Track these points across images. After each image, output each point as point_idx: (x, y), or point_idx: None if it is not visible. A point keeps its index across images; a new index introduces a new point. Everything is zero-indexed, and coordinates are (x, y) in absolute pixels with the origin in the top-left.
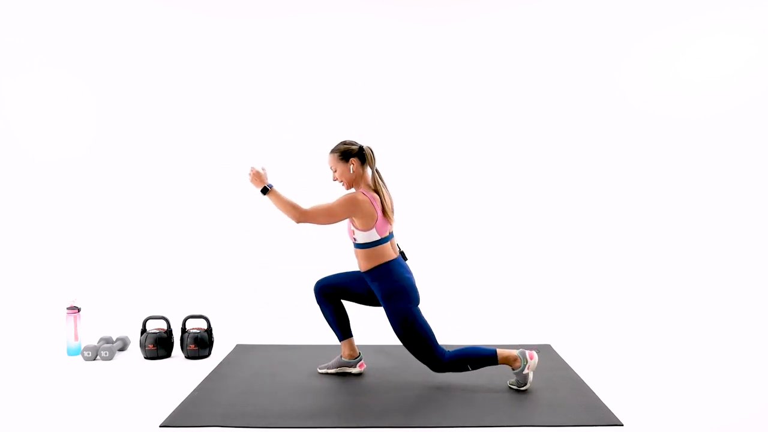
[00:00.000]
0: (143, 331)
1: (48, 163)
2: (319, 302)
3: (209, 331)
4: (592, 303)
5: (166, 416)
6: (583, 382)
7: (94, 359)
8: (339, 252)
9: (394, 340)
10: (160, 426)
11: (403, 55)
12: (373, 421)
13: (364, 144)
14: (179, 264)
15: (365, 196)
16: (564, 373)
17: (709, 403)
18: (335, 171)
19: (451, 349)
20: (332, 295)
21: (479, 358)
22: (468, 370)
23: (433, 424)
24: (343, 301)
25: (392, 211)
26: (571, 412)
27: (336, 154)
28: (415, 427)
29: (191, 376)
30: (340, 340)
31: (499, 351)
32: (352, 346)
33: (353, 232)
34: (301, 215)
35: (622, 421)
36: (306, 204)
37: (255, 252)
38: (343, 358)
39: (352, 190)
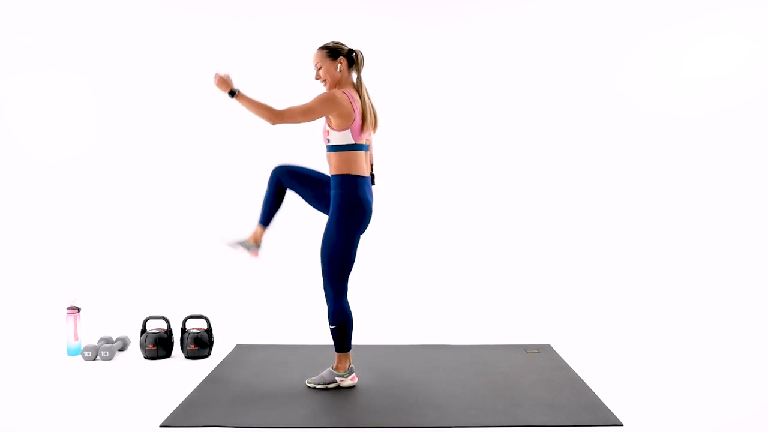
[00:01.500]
0: (143, 331)
1: (48, 163)
2: (271, 182)
3: (209, 331)
4: (592, 303)
5: (166, 416)
6: (583, 382)
7: (94, 359)
8: None
9: (394, 340)
10: (160, 426)
11: (403, 55)
12: (373, 421)
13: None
14: (179, 264)
15: (345, 94)
16: (564, 373)
17: (709, 403)
18: (320, 68)
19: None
20: (289, 179)
21: (344, 335)
22: (330, 325)
23: (433, 424)
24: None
25: (374, 120)
26: (571, 412)
27: (324, 51)
28: (415, 427)
29: (191, 376)
30: (261, 223)
31: (348, 354)
32: (261, 234)
33: (327, 132)
34: (276, 116)
35: (622, 421)
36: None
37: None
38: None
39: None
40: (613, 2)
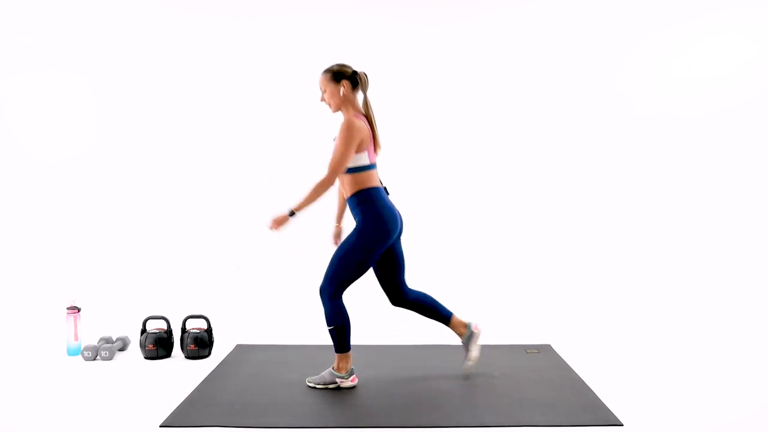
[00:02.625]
0: (143, 331)
1: (48, 163)
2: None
3: (209, 331)
4: (592, 303)
5: (166, 416)
6: (583, 382)
7: (94, 359)
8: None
9: (394, 340)
10: (160, 426)
11: (403, 55)
12: (373, 421)
13: (359, 69)
14: (179, 264)
15: (359, 119)
16: (564, 373)
17: (709, 403)
18: (324, 92)
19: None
20: (398, 295)
21: (342, 335)
22: (328, 325)
23: (433, 424)
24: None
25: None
26: (571, 412)
27: (328, 74)
28: (415, 427)
29: (191, 376)
30: (446, 324)
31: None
32: (459, 323)
33: None
34: (329, 182)
35: (622, 421)
36: (319, 176)
37: (255, 252)
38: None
39: (339, 114)
40: (613, 2)
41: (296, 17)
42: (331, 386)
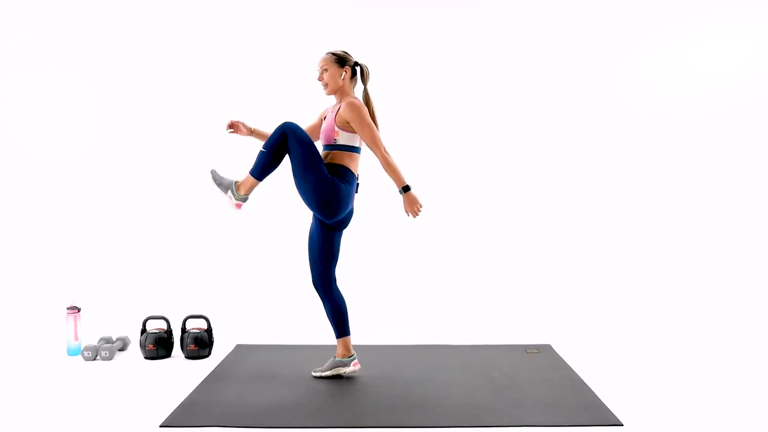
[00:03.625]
0: (143, 331)
1: (48, 163)
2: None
3: (209, 331)
4: (592, 303)
5: (166, 416)
6: (583, 382)
7: (94, 359)
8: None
9: (394, 340)
10: (160, 426)
11: (403, 55)
12: (373, 421)
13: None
14: (179, 264)
15: (360, 100)
16: (564, 373)
17: (709, 403)
18: (325, 70)
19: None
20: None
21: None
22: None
23: (433, 424)
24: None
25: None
26: (571, 412)
27: (333, 56)
28: (415, 427)
29: (191, 376)
30: (336, 338)
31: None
32: (348, 346)
33: (336, 132)
34: (387, 154)
35: (622, 421)
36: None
37: (255, 252)
38: (336, 358)
39: (332, 97)
40: (613, 2)
41: (296, 17)
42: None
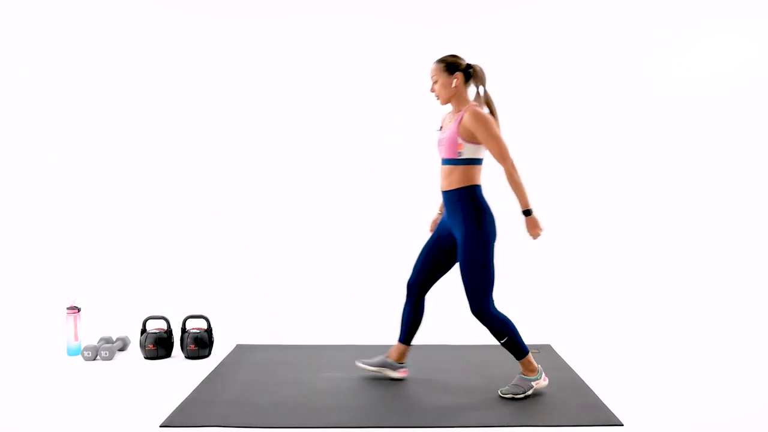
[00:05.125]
0: (143, 331)
1: (48, 163)
2: (407, 297)
3: (209, 331)
4: (592, 303)
5: (166, 416)
6: (583, 382)
7: (94, 359)
8: (339, 252)
9: (394, 340)
10: (160, 426)
11: (403, 55)
12: (373, 421)
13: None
14: (179, 264)
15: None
16: (564, 373)
17: (709, 403)
18: (436, 82)
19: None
20: (420, 287)
21: (515, 341)
22: (499, 340)
23: (433, 424)
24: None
25: None
26: (571, 412)
27: (441, 65)
28: (415, 427)
29: (191, 376)
30: (400, 342)
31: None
32: (404, 353)
33: (461, 145)
34: (514, 168)
35: (622, 421)
36: (504, 166)
37: (255, 252)
38: (387, 359)
39: (449, 106)
40: (613, 2)
41: (296, 17)
42: (529, 392)
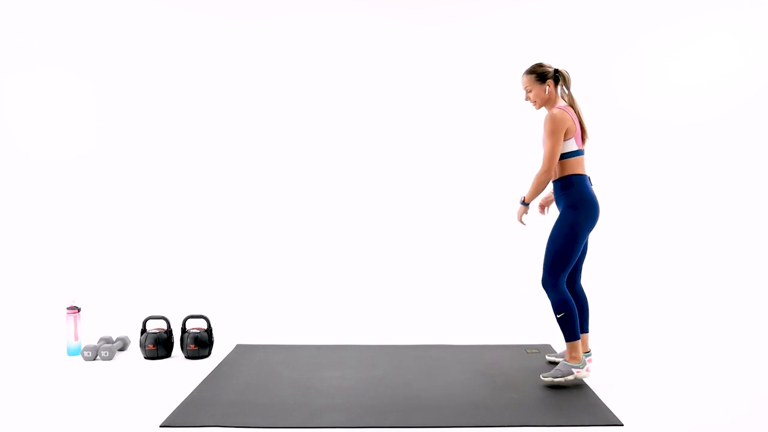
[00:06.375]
0: (143, 331)
1: (48, 163)
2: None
3: (209, 331)
4: (592, 303)
5: (166, 416)
6: (583, 382)
7: (94, 359)
8: (340, 252)
9: (394, 340)
10: (160, 426)
11: (402, 55)
12: (373, 421)
13: (560, 67)
14: (179, 264)
15: (561, 109)
16: None
17: (709, 403)
18: (530, 91)
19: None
20: (569, 277)
21: (571, 322)
22: (556, 314)
23: (433, 424)
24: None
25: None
26: (571, 412)
27: (532, 76)
28: (415, 427)
29: (191, 376)
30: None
31: (582, 339)
32: (583, 340)
33: None
34: (545, 173)
35: (622, 421)
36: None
37: (255, 252)
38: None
39: (543, 110)
40: (613, 2)
41: (296, 17)
42: (569, 378)
